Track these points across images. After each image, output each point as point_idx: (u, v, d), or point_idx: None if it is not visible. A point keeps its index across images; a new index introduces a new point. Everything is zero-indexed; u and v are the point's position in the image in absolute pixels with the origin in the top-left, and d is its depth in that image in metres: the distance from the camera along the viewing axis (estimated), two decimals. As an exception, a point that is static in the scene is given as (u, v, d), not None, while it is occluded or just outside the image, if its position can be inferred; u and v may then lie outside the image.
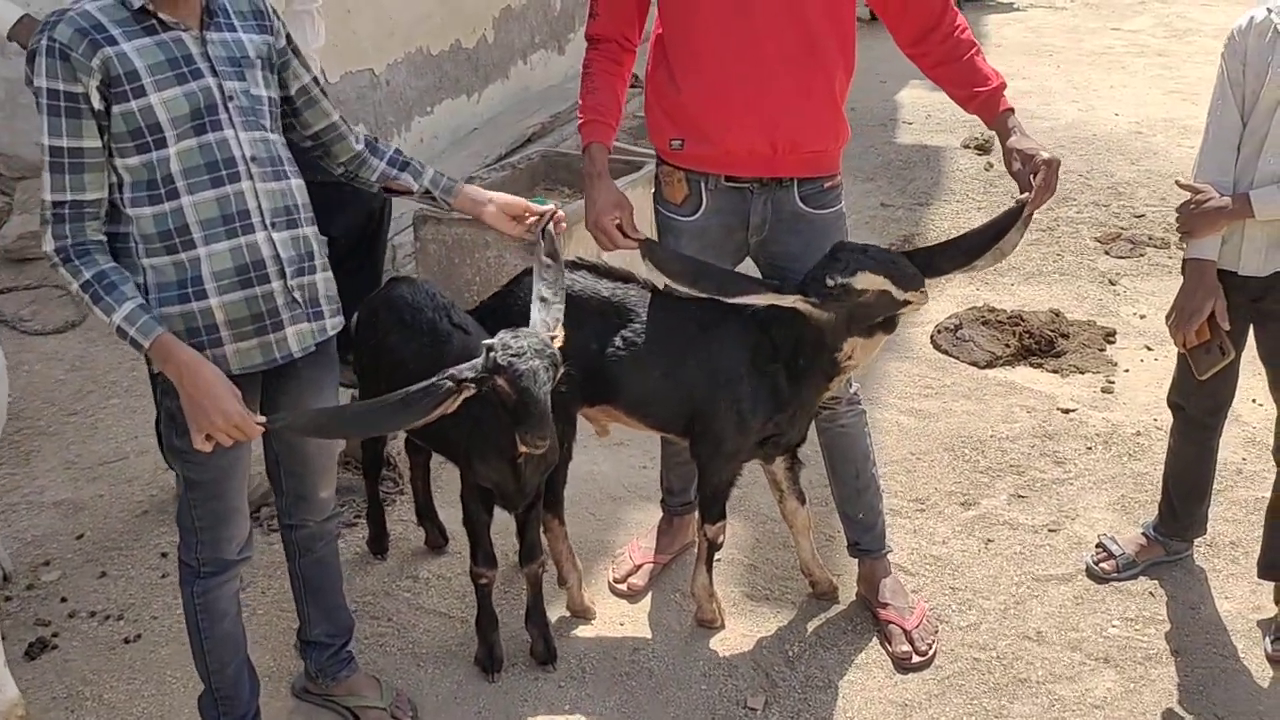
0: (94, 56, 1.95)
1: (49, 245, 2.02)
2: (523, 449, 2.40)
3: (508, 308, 2.79)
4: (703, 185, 2.71)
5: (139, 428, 3.74)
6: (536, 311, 2.43)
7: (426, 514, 3.25)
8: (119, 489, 3.51)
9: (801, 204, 2.71)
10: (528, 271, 2.89)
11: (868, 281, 2.44)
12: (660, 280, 2.62)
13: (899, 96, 7.40)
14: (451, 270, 4.03)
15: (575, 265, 2.81)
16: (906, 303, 2.48)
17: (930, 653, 2.85)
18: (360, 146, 2.39)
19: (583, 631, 2.96)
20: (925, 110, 7.07)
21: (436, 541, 3.26)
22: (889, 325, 2.56)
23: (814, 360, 2.61)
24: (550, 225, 2.53)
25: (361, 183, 2.42)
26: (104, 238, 2.05)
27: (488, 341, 2.32)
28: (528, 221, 2.53)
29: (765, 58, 2.55)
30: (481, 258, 4.01)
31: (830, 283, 2.46)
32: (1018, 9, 10.22)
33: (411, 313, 2.73)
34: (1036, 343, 4.35)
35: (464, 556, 3.19)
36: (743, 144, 2.62)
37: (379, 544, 3.23)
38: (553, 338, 2.35)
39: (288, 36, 2.25)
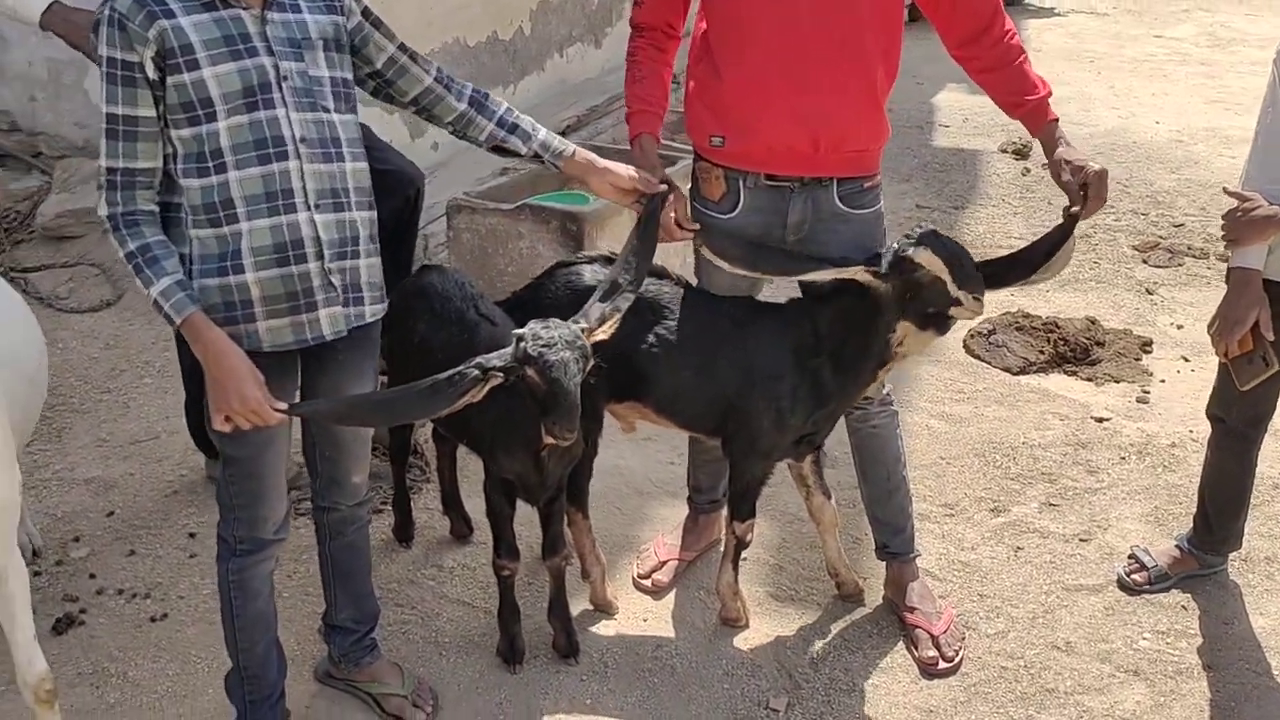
0: (150, 27, 1.97)
1: (102, 210, 2.06)
2: (548, 440, 2.40)
3: (539, 300, 2.78)
4: (741, 183, 2.69)
5: (170, 408, 3.76)
6: (597, 297, 2.42)
7: (452, 503, 3.25)
8: (149, 468, 3.53)
9: (841, 204, 2.69)
10: (561, 264, 2.90)
11: (926, 259, 2.45)
12: (725, 268, 2.63)
13: (936, 99, 7.35)
14: (485, 260, 4.02)
15: (607, 260, 2.80)
16: (958, 302, 2.47)
17: (957, 659, 2.82)
18: (463, 106, 2.35)
19: (605, 626, 2.94)
20: (963, 113, 7.02)
21: (461, 531, 3.26)
22: (941, 325, 2.55)
23: (865, 346, 2.60)
24: (659, 205, 2.51)
25: (470, 141, 2.41)
26: (155, 208, 2.08)
27: (518, 331, 2.31)
28: (635, 196, 2.53)
29: (810, 53, 2.53)
30: (514, 248, 4.00)
31: (896, 246, 2.49)
32: (1058, 14, 10.13)
33: (441, 301, 2.73)
34: (1071, 350, 4.30)
35: (489, 547, 3.18)
36: (783, 139, 2.60)
37: (404, 531, 3.24)
38: (587, 329, 2.34)
39: (365, 11, 2.24)
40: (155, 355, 4.12)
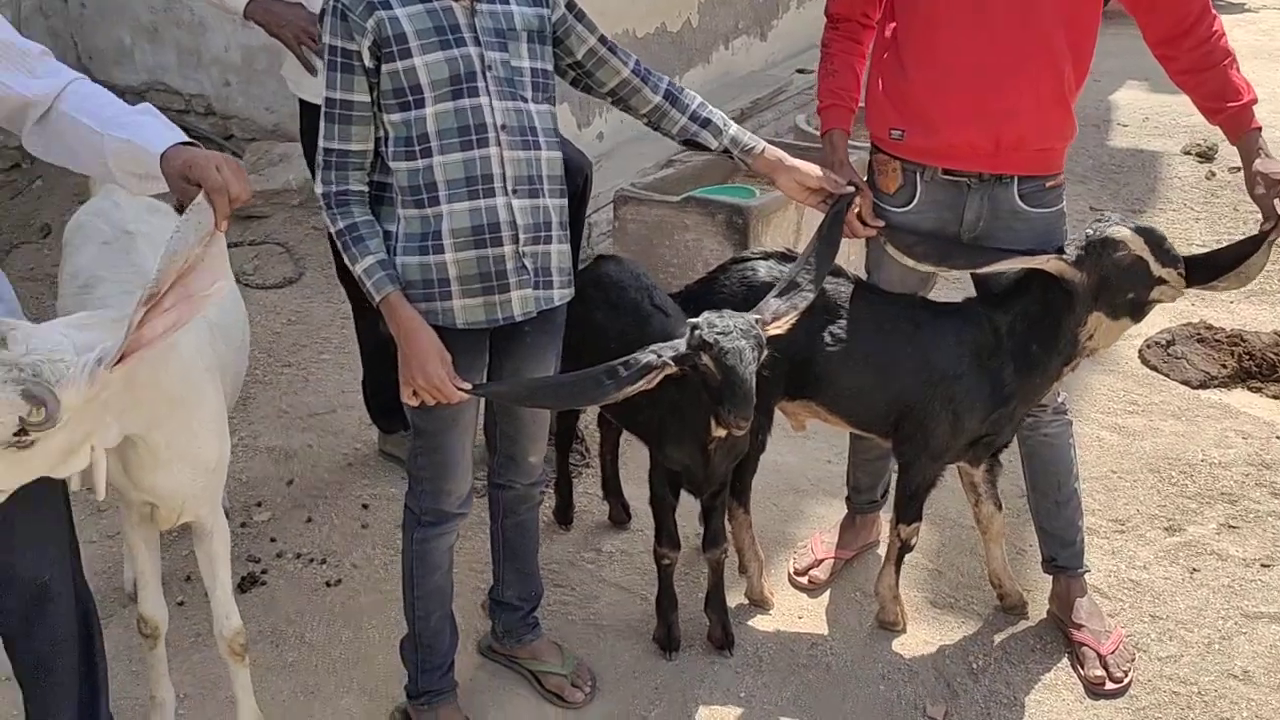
0: (369, 18, 2.07)
1: (318, 189, 2.18)
2: (719, 431, 2.42)
3: (712, 294, 2.79)
4: (918, 176, 2.65)
5: (347, 383, 3.93)
6: (774, 294, 2.43)
7: (612, 489, 3.31)
8: (326, 440, 3.70)
9: (1020, 202, 2.63)
10: (735, 260, 2.91)
11: (1127, 237, 2.40)
12: (910, 264, 2.62)
13: (1114, 96, 7.06)
14: (649, 251, 4.06)
15: (784, 257, 2.80)
16: (1161, 281, 2.40)
17: (1126, 681, 2.72)
18: (658, 99, 2.39)
19: (761, 621, 2.95)
20: (1142, 112, 6.72)
21: (620, 517, 3.31)
22: (1137, 311, 2.48)
23: (1052, 342, 2.54)
24: (845, 207, 2.51)
25: (663, 133, 2.46)
26: (365, 188, 2.18)
27: (693, 320, 2.35)
28: (821, 196, 2.53)
29: (997, 50, 2.48)
30: (680, 240, 4.03)
31: (1089, 232, 2.44)
32: (1249, 9, 9.59)
33: (616, 291, 2.77)
34: (1257, 365, 4.08)
35: (646, 534, 3.24)
36: (964, 136, 2.56)
37: (564, 514, 3.31)
38: (762, 321, 2.35)
39: (569, 3, 2.29)
40: (334, 332, 4.31)
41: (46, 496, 1.89)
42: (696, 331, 2.30)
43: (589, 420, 3.57)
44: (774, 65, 7.00)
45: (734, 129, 2.46)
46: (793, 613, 2.99)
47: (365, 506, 3.36)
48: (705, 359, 2.27)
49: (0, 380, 1.59)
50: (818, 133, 2.78)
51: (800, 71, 6.83)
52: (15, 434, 1.61)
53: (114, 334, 1.71)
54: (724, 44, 6.62)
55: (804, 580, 3.08)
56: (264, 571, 3.09)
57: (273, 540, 3.22)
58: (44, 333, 1.69)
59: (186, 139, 1.79)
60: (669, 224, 4.04)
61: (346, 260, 2.17)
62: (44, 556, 2.02)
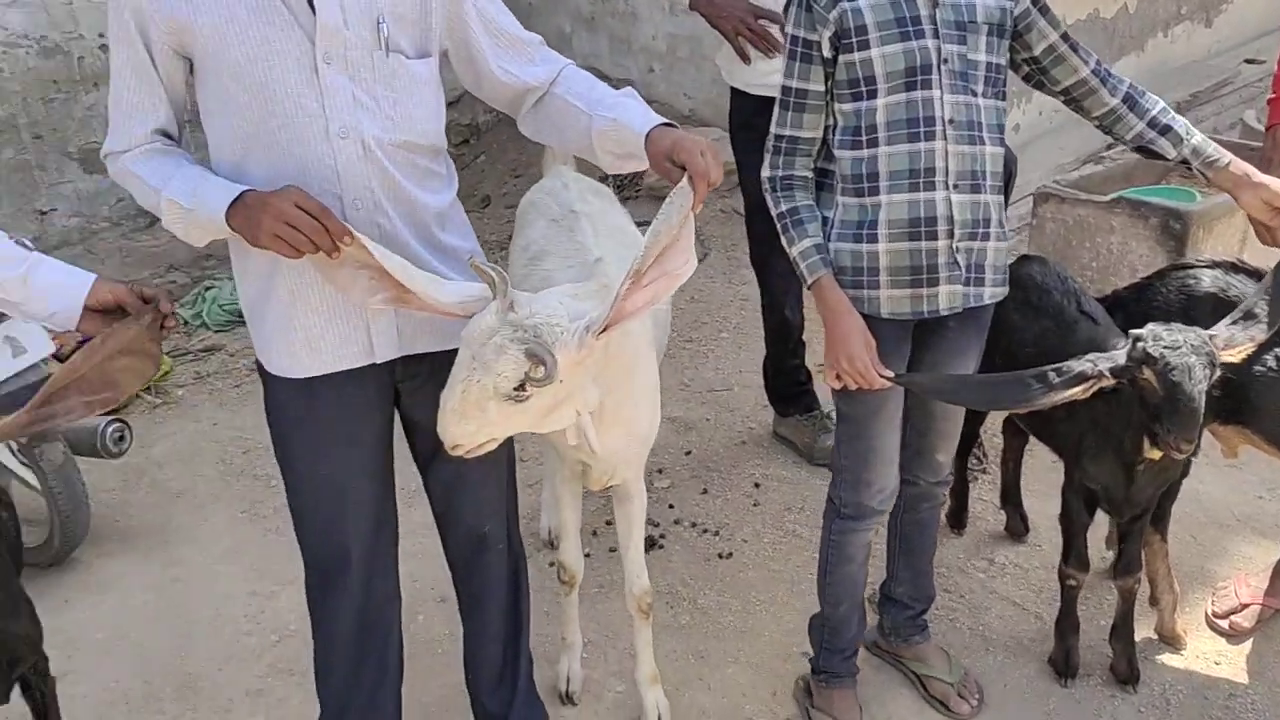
0: (833, 10, 2.11)
1: (765, 172, 2.26)
2: (1154, 452, 2.27)
3: (1145, 302, 2.61)
4: None
5: (745, 363, 4.04)
6: (1228, 322, 2.24)
7: (1012, 499, 3.18)
8: (723, 416, 3.83)
9: None
10: (1175, 266, 2.69)
11: None
12: None
13: None
14: (1068, 251, 3.85)
15: (1234, 268, 2.56)
16: None
17: None
18: (1115, 102, 2.27)
19: (1170, 659, 2.73)
20: None
21: (1017, 529, 3.18)
22: None
23: None
24: None
25: (1115, 138, 2.35)
26: (809, 174, 2.24)
27: (1136, 331, 2.20)
28: None
29: None
30: (1103, 243, 3.78)
31: None
32: None
33: (1039, 293, 2.65)
34: None
35: (1043, 549, 3.10)
36: None
37: (958, 519, 3.22)
38: (1220, 345, 2.16)
39: None
40: (733, 312, 4.45)
41: (496, 455, 2.05)
42: (1140, 343, 2.15)
43: (988, 426, 3.45)
44: (1218, 54, 6.37)
45: (1197, 138, 2.26)
46: (1208, 657, 2.74)
47: (757, 485, 3.46)
48: (1147, 373, 2.13)
49: (508, 339, 1.78)
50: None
51: (1249, 61, 6.18)
52: (515, 388, 1.79)
53: (600, 304, 1.86)
54: (1162, 31, 6.11)
55: (1224, 624, 2.81)
56: (662, 536, 3.25)
57: (671, 507, 3.39)
58: (544, 300, 1.88)
59: (667, 121, 1.89)
60: (1092, 225, 3.80)
61: (784, 242, 2.23)
62: (486, 509, 2.24)
